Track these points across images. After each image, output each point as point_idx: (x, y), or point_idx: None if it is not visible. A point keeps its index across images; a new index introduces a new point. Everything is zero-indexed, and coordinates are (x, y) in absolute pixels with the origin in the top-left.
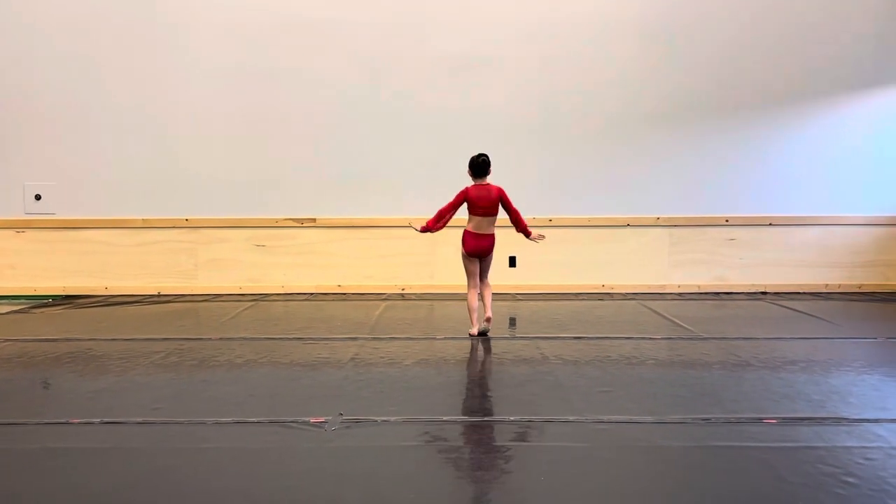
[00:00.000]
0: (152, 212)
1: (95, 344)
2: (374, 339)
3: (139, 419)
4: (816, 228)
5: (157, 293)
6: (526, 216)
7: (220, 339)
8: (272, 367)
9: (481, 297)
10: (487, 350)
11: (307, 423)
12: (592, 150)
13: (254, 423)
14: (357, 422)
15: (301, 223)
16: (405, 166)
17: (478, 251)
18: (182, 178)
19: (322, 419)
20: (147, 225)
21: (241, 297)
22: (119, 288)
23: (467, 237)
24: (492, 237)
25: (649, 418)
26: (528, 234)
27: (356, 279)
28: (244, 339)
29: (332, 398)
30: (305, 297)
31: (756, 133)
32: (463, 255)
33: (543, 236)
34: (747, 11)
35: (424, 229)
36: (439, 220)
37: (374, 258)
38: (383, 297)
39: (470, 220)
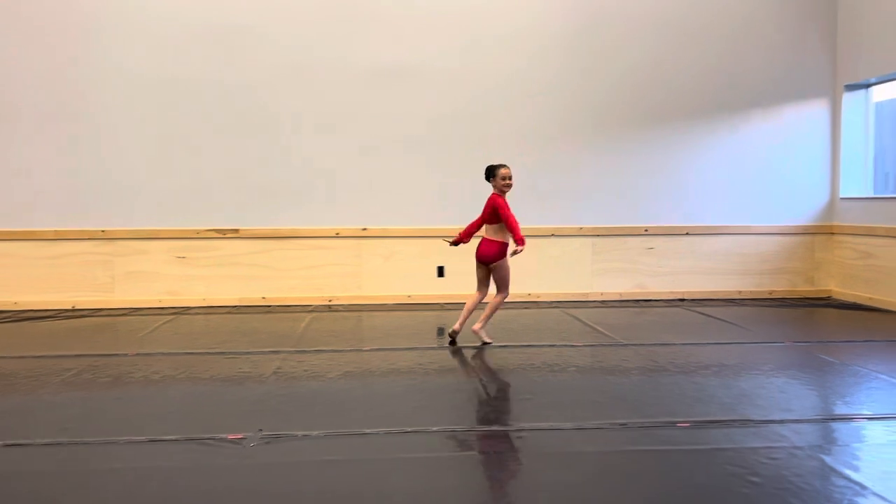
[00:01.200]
0: (66, 223)
1: (3, 362)
2: (299, 352)
3: (45, 441)
4: (729, 238)
5: (71, 307)
6: (453, 226)
7: (137, 354)
8: (191, 382)
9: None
10: (414, 361)
11: (225, 439)
12: (517, 161)
13: (169, 441)
14: (277, 437)
15: (224, 234)
16: (331, 175)
17: (477, 256)
18: (98, 188)
19: (241, 435)
20: (60, 237)
21: (160, 310)
22: (30, 303)
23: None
24: (489, 244)
25: (569, 425)
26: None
27: (281, 291)
28: (162, 354)
29: (252, 413)
30: (228, 310)
31: (673, 146)
32: None
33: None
34: (669, 28)
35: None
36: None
37: (300, 269)
38: (309, 308)
39: None
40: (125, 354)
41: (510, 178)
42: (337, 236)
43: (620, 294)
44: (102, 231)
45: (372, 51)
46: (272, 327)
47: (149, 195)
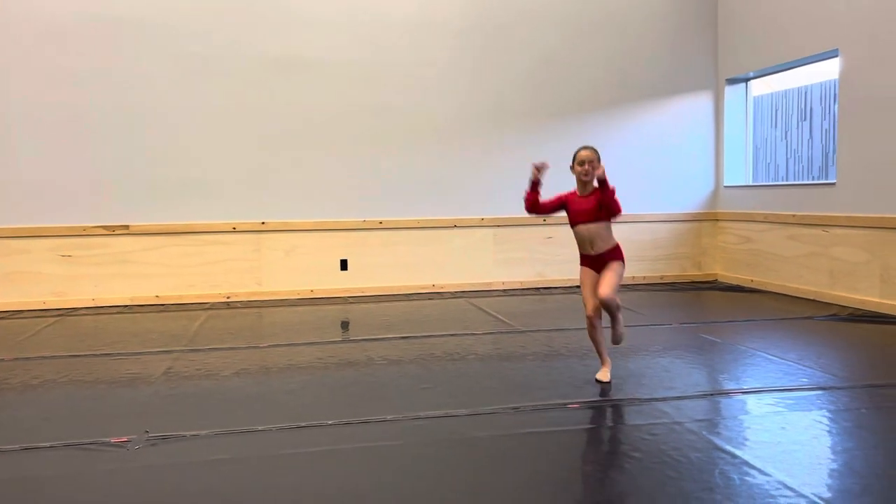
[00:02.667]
0: None
1: None
2: (192, 350)
3: None
4: (624, 226)
5: None
6: (355, 218)
7: (15, 359)
8: (73, 386)
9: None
10: (314, 356)
11: (108, 443)
12: (419, 153)
13: (46, 448)
14: (164, 438)
15: (112, 231)
16: (227, 169)
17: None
18: None
19: (125, 438)
20: None
21: (44, 312)
22: None
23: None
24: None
25: (464, 411)
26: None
27: (176, 289)
28: (44, 357)
29: (138, 416)
30: (119, 310)
31: (569, 139)
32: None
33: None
34: (562, 26)
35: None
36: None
37: (196, 266)
38: (206, 306)
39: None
40: (1, 359)
41: (587, 164)
42: (234, 231)
43: (521, 283)
44: None
45: (270, 41)
46: (165, 326)
47: (30, 190)
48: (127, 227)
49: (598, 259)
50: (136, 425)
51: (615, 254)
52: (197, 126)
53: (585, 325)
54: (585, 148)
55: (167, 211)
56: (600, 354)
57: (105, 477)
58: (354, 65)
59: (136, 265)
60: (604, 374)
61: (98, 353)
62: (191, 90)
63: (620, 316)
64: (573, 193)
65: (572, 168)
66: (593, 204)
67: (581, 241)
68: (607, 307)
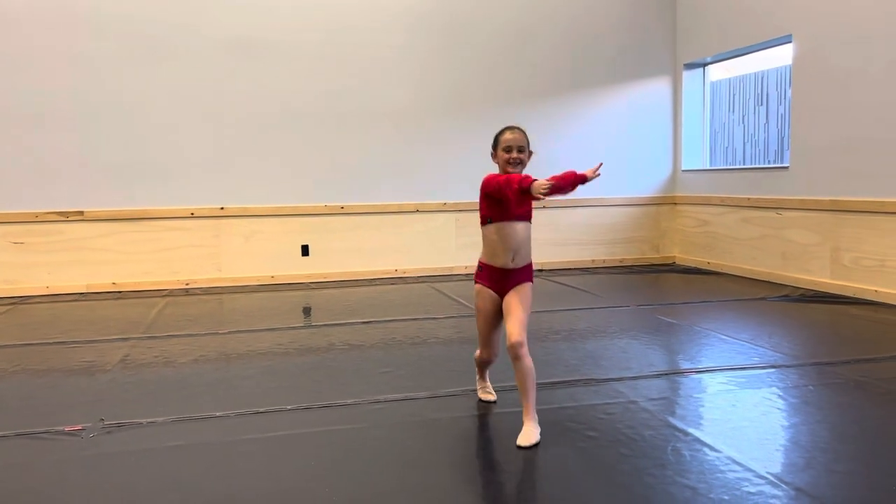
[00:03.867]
0: None
1: None
2: (150, 338)
3: None
4: (585, 210)
5: None
6: (316, 203)
7: None
8: (26, 375)
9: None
10: (274, 342)
11: (61, 432)
12: (381, 138)
13: None
14: (119, 426)
15: (66, 217)
16: (185, 153)
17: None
18: None
19: (79, 427)
20: None
21: None
22: None
23: None
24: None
25: (425, 394)
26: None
27: (133, 276)
28: None
29: (93, 404)
30: (75, 297)
31: (529, 124)
32: None
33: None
34: (524, 9)
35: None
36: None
37: (154, 252)
38: (164, 293)
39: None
40: None
41: (515, 151)
42: (192, 216)
43: None
44: None
45: (227, 24)
46: (122, 314)
47: None
48: (81, 212)
49: (509, 277)
50: (90, 413)
51: (530, 271)
52: (153, 110)
53: (475, 357)
54: (510, 129)
55: (123, 196)
56: (482, 377)
57: (58, 466)
58: (315, 48)
59: (92, 252)
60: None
61: (52, 341)
62: (147, 73)
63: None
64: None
65: (494, 156)
66: (521, 197)
67: (501, 247)
68: (516, 354)
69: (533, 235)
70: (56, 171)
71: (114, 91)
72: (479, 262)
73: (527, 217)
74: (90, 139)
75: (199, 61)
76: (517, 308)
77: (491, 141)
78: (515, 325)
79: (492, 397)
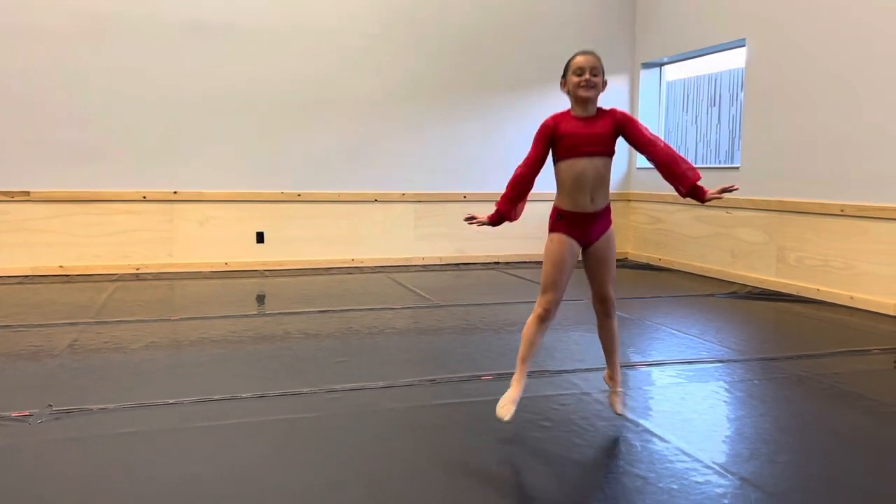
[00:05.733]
0: None
1: None
2: (99, 323)
3: None
4: (542, 204)
5: None
6: (273, 190)
7: None
8: None
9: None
10: (228, 329)
11: (8, 417)
12: (340, 125)
13: None
14: (68, 412)
15: (12, 197)
16: (138, 135)
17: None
18: None
19: (26, 412)
20: None
21: None
22: None
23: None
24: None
25: (381, 383)
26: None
27: (82, 259)
28: None
29: (40, 389)
30: (19, 280)
31: (489, 117)
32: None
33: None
34: (488, 4)
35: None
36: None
37: (104, 235)
38: (114, 277)
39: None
40: None
41: (588, 73)
42: (144, 200)
43: (441, 258)
44: None
45: (184, 3)
46: (70, 298)
47: None
48: (27, 193)
49: (590, 221)
50: (38, 399)
51: (609, 217)
52: (104, 89)
53: (531, 320)
54: (584, 53)
55: (72, 177)
56: (523, 364)
57: (4, 452)
58: (273, 32)
59: (38, 233)
60: (508, 409)
61: None
62: (100, 51)
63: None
64: (565, 115)
65: (563, 84)
66: (606, 129)
67: (577, 187)
68: (608, 308)
69: (489, 228)
70: (1, 149)
71: (64, 68)
72: (555, 208)
73: (603, 152)
74: (37, 118)
75: (155, 41)
76: (610, 264)
77: (450, 131)
78: (610, 283)
79: (506, 416)
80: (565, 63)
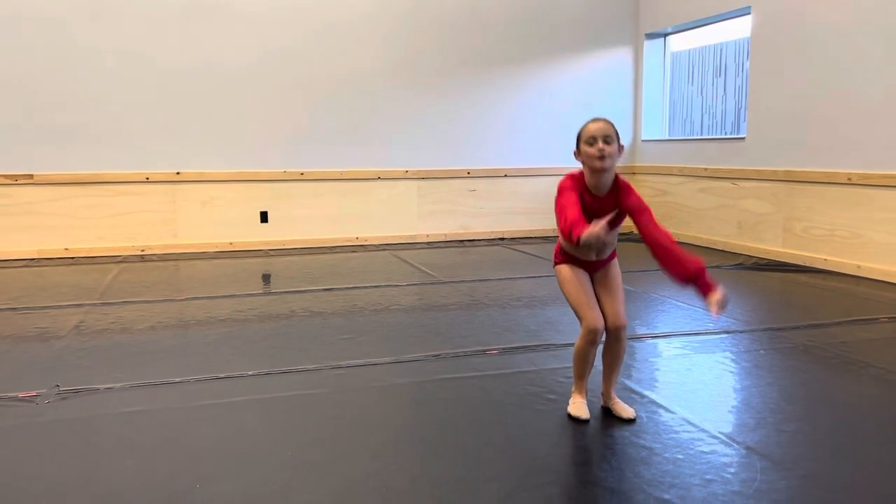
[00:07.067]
0: None
1: None
2: (105, 304)
3: None
4: (545, 179)
5: None
6: (276, 169)
7: None
8: None
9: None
10: (233, 308)
11: (15, 398)
12: (342, 104)
13: None
14: (76, 392)
15: (15, 180)
16: (140, 116)
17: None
18: None
19: (34, 393)
20: None
21: None
22: None
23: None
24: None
25: (386, 359)
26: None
27: (87, 241)
28: None
29: (48, 370)
30: (25, 263)
31: (492, 91)
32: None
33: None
34: None
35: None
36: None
37: (108, 217)
38: (118, 259)
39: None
40: None
41: (600, 141)
42: (147, 181)
43: (445, 235)
44: None
45: None
46: (76, 280)
47: None
48: (31, 175)
49: (595, 264)
50: (45, 380)
51: (614, 253)
52: (106, 70)
53: (581, 345)
54: (596, 120)
55: (75, 160)
56: (582, 381)
57: (13, 432)
58: (273, 10)
59: (42, 216)
60: (582, 409)
61: (2, 307)
62: (100, 32)
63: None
64: (580, 180)
65: (577, 153)
66: (613, 205)
67: (582, 248)
68: (619, 336)
69: (495, 204)
70: (3, 132)
71: (63, 50)
72: (560, 248)
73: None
74: (39, 100)
75: (155, 21)
76: (618, 289)
77: (451, 107)
78: (621, 307)
79: (585, 414)
80: (577, 132)
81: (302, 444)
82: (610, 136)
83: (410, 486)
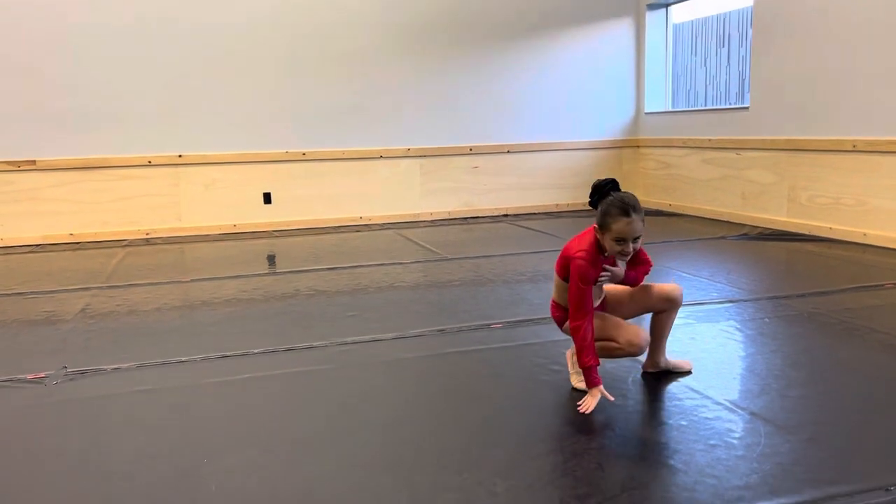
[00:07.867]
0: None
1: None
2: (111, 287)
3: None
4: (548, 154)
5: None
6: (277, 150)
7: None
8: None
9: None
10: (238, 289)
11: (24, 380)
12: (342, 83)
13: None
14: (83, 373)
15: (18, 166)
16: (139, 99)
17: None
18: None
19: (42, 374)
20: None
21: None
22: None
23: None
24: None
25: (391, 335)
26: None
27: (92, 226)
28: None
29: (55, 352)
30: (30, 249)
31: (494, 67)
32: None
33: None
34: None
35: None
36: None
37: (112, 201)
38: (124, 243)
39: None
40: None
41: (629, 244)
42: (150, 164)
43: (449, 213)
44: None
45: None
46: (81, 265)
47: None
48: (34, 161)
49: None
50: (53, 361)
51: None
52: (105, 54)
53: (616, 352)
54: (626, 213)
55: (77, 145)
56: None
57: (22, 412)
58: None
59: (47, 202)
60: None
61: (9, 292)
62: (97, 15)
63: None
64: (592, 253)
65: (602, 238)
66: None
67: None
68: (675, 301)
69: (498, 180)
70: (5, 118)
71: (62, 34)
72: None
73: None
74: (39, 85)
75: (153, 3)
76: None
77: (451, 84)
78: (664, 285)
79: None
80: (604, 208)
81: (308, 419)
82: (639, 237)
83: (416, 457)
